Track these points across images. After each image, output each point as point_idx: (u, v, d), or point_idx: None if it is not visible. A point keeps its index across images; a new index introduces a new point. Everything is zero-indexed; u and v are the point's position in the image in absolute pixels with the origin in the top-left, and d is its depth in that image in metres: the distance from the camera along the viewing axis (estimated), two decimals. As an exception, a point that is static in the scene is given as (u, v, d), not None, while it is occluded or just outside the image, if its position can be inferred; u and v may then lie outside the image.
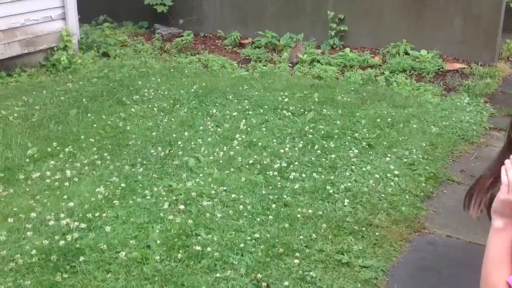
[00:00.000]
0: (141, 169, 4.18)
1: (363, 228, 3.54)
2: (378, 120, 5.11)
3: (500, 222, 1.32)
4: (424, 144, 4.66)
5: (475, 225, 3.56)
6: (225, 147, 4.60)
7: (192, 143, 4.67)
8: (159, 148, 4.52)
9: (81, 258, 3.06)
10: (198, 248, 3.20)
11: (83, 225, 3.38)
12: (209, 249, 3.21)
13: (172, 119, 5.19)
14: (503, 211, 1.32)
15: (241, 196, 3.88)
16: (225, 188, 3.96)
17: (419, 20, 7.03)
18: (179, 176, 4.11)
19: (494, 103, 5.63)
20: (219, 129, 5.00)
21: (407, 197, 3.94)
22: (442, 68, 6.47)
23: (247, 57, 7.28)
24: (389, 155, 4.50)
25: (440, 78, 6.26)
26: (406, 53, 6.81)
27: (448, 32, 6.86)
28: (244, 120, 5.17)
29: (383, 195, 3.94)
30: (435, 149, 4.62)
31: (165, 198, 3.76)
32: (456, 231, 3.57)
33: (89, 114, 5.22)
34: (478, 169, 4.34)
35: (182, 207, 3.64)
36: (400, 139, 4.78)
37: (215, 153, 4.50)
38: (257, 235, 3.40)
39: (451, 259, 3.33)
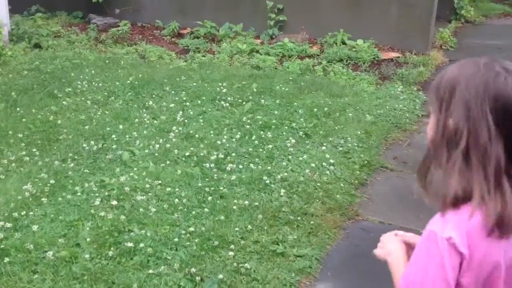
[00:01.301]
0: (72, 164, 4.05)
1: (299, 218, 3.56)
2: (315, 109, 5.15)
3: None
4: (359, 133, 4.72)
5: (406, 210, 3.65)
6: (161, 140, 4.52)
7: (127, 136, 4.57)
8: (92, 142, 4.39)
9: (6, 259, 2.94)
10: (130, 244, 3.12)
11: (8, 225, 3.24)
12: (142, 245, 3.15)
13: (106, 111, 5.06)
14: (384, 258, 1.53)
15: (177, 190, 3.82)
16: (160, 181, 3.89)
17: (356, 10, 7.12)
18: (112, 170, 4.01)
19: (427, 91, 5.76)
20: (155, 121, 4.91)
21: (342, 185, 3.98)
22: (378, 57, 6.58)
23: (185, 48, 7.19)
24: (325, 144, 4.54)
25: (376, 67, 6.36)
26: (343, 43, 6.89)
27: (384, 21, 6.98)
28: (181, 112, 5.09)
29: (318, 184, 3.97)
30: (370, 137, 4.69)
31: (96, 194, 3.65)
32: (388, 217, 3.64)
33: (18, 108, 5.01)
34: (410, 155, 4.45)
35: (114, 202, 3.55)
36: (336, 128, 4.82)
37: (150, 146, 4.42)
38: (192, 229, 3.35)
39: (383, 245, 3.38)
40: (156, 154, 4.30)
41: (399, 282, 1.34)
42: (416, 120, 5.09)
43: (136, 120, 4.90)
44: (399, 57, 6.64)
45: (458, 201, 1.28)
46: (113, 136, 4.53)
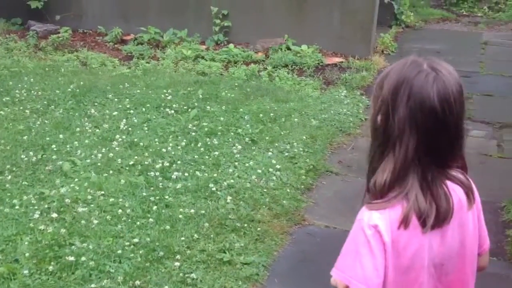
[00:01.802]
0: (10, 176, 3.90)
1: (245, 225, 3.54)
2: (261, 115, 5.15)
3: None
4: (305, 137, 4.75)
5: (352, 214, 3.67)
6: (103, 149, 4.42)
7: (68, 146, 4.44)
8: (31, 153, 4.24)
9: None
10: (72, 258, 3.03)
11: None
12: (83, 258, 3.05)
13: (46, 121, 4.90)
14: None
15: (120, 200, 3.74)
16: (103, 192, 3.80)
17: (300, 16, 7.18)
18: (52, 182, 3.88)
19: (370, 94, 5.85)
20: (97, 130, 4.79)
21: (288, 190, 3.99)
22: (322, 62, 6.66)
23: (129, 54, 7.06)
24: (271, 149, 4.55)
25: (320, 72, 6.43)
26: (288, 48, 6.94)
27: (327, 27, 7.07)
28: (125, 120, 4.99)
29: (265, 190, 3.97)
30: (315, 141, 4.73)
31: (36, 207, 3.53)
32: (334, 221, 3.67)
33: (-49, 120, 4.80)
34: (355, 159, 4.51)
35: (55, 215, 3.44)
36: (282, 133, 4.84)
37: (92, 156, 4.31)
38: (136, 240, 3.28)
39: (329, 249, 3.37)
40: (99, 164, 4.19)
41: (332, 269, 1.39)
42: (359, 124, 5.17)
43: (78, 129, 4.77)
44: (342, 62, 6.74)
45: (383, 192, 1.34)
46: (53, 146, 4.39)
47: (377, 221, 1.32)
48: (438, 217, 1.33)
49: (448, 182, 1.37)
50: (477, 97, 5.88)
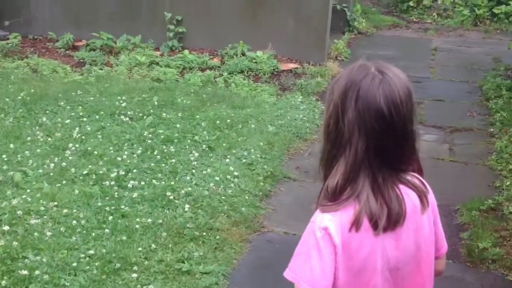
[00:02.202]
0: (-43, 189, 3.75)
1: (204, 233, 3.51)
2: (218, 121, 5.13)
3: None
4: (262, 144, 4.76)
5: (310, 219, 3.70)
6: (56, 158, 4.30)
7: (19, 155, 4.30)
8: (-21, 163, 4.09)
9: None
10: (25, 272, 2.93)
11: None
12: (37, 272, 2.96)
13: (-5, 130, 4.74)
14: None
15: (74, 211, 3.65)
16: (56, 203, 3.70)
17: (255, 22, 7.20)
18: (3, 193, 3.75)
19: (325, 100, 5.93)
20: (49, 139, 4.66)
21: (246, 197, 3.98)
22: (277, 68, 6.69)
23: (81, 61, 6.91)
24: (229, 156, 4.53)
25: (276, 78, 6.46)
26: (244, 54, 6.94)
27: (282, 33, 7.11)
28: (78, 128, 4.88)
29: (223, 197, 3.94)
30: (272, 148, 4.74)
31: (-15, 220, 3.39)
32: (292, 227, 3.68)
33: None
34: (312, 165, 4.54)
35: (6, 228, 3.32)
36: (239, 139, 4.83)
37: (45, 165, 4.19)
38: (91, 252, 3.20)
39: (288, 255, 3.38)
40: (51, 174, 4.08)
41: (286, 270, 1.40)
42: (316, 130, 5.21)
43: (29, 138, 4.62)
44: (297, 68, 6.79)
45: (335, 194, 1.35)
46: (3, 156, 4.25)
47: (327, 223, 1.33)
48: (389, 220, 1.34)
49: (401, 186, 1.38)
50: (428, 102, 6.02)
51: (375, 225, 1.34)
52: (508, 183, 4.13)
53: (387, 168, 1.35)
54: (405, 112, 1.33)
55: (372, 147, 1.32)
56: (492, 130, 5.20)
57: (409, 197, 1.40)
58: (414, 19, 9.97)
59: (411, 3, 10.08)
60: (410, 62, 7.40)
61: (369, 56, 6.61)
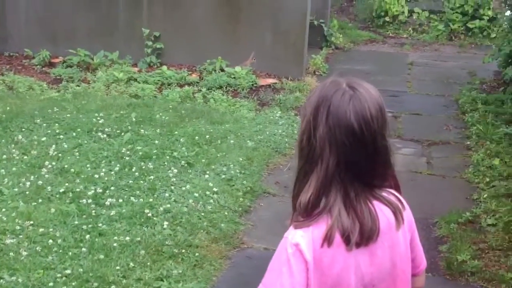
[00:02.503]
0: None
1: (183, 250, 3.47)
2: (197, 137, 5.11)
3: None
4: (241, 159, 4.74)
5: (290, 235, 3.69)
6: (32, 177, 4.24)
7: (-6, 174, 4.22)
8: (-48, 183, 4.00)
9: None
10: (-1, 294, 2.86)
11: None
12: (12, 293, 2.89)
13: (-30, 149, 4.65)
14: None
15: (51, 230, 3.59)
16: (32, 222, 3.64)
17: (234, 37, 7.22)
18: (-24, 213, 3.67)
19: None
20: (25, 157, 4.60)
21: (226, 213, 3.95)
22: (256, 83, 6.70)
23: (58, 77, 6.84)
24: (208, 172, 4.50)
25: (254, 93, 6.47)
26: (222, 70, 6.95)
27: (260, 48, 7.14)
28: (54, 146, 4.81)
29: (202, 214, 3.92)
30: (252, 163, 4.72)
31: (-41, 241, 3.32)
32: (272, 242, 3.63)
33: None
34: (291, 180, 4.52)
35: (-20, 248, 3.24)
36: (219, 155, 4.81)
37: (20, 184, 4.12)
38: (68, 271, 3.15)
39: (269, 272, 3.40)
40: (27, 192, 4.01)
41: (259, 285, 1.40)
42: (295, 144, 5.22)
43: (4, 156, 4.55)
44: (276, 83, 6.82)
45: (307, 210, 1.35)
46: (-22, 175, 4.17)
47: (299, 239, 1.33)
48: (362, 235, 1.34)
49: (375, 202, 1.38)
50: (405, 116, 6.08)
51: (347, 240, 1.33)
52: (485, 195, 4.17)
53: (360, 184, 1.36)
54: (376, 128, 1.34)
55: (343, 162, 1.33)
56: (468, 143, 5.27)
57: (383, 213, 1.39)
58: (390, 34, 10.11)
59: (387, 18, 10.21)
60: (387, 77, 7.50)
61: (347, 71, 6.70)
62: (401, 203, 1.44)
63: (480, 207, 4.05)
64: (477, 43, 9.42)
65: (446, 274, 3.34)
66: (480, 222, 3.84)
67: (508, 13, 6.90)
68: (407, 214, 1.47)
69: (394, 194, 1.44)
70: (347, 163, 1.33)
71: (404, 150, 5.18)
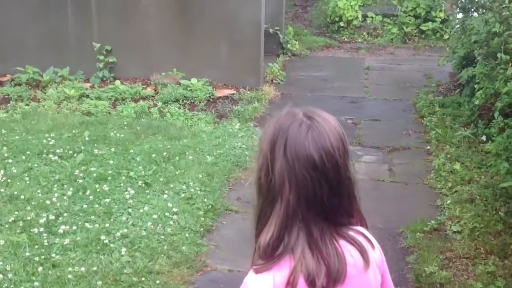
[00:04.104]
0: None
1: (143, 278, 3.31)
2: (154, 155, 4.93)
3: None
4: (201, 176, 4.59)
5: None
6: (-21, 206, 3.99)
7: None
8: None
9: None
10: None
11: None
12: None
13: None
14: None
15: (1, 263, 3.39)
16: (-21, 256, 3.40)
17: (188, 49, 7.07)
18: None
19: (263, 125, 5.83)
20: (-29, 185, 4.33)
21: (187, 235, 3.80)
22: (213, 95, 6.56)
23: (6, 97, 6.55)
24: (166, 191, 4.34)
25: (212, 105, 6.33)
26: (178, 83, 6.78)
27: (216, 59, 7.01)
28: (2, 171, 4.57)
29: (162, 237, 3.76)
30: (212, 179, 4.58)
31: None
32: (237, 263, 3.53)
33: None
34: (253, 195, 4.41)
35: None
36: (177, 173, 4.65)
37: (-34, 215, 3.87)
38: (19, 310, 2.94)
39: (234, 296, 3.26)
40: (-26, 224, 3.77)
41: None
42: (255, 158, 5.10)
43: None
44: (233, 94, 6.70)
45: (267, 252, 1.26)
46: None
47: (260, 284, 1.25)
48: (329, 277, 1.25)
49: (342, 241, 1.29)
50: (365, 122, 6.05)
51: (312, 284, 1.23)
52: (448, 201, 4.14)
53: (324, 221, 1.26)
54: (338, 158, 1.25)
55: (305, 199, 1.24)
56: (429, 147, 5.26)
57: (350, 253, 1.30)
58: (346, 39, 10.12)
59: (341, 24, 10.23)
60: (344, 82, 7.47)
61: (304, 78, 6.62)
62: (370, 242, 1.34)
63: (445, 213, 4.02)
64: (431, 45, 9.52)
65: (415, 287, 3.27)
66: (446, 229, 3.80)
67: (460, 15, 6.97)
68: (377, 254, 1.38)
69: (362, 233, 1.34)
70: (308, 200, 1.24)
71: (365, 157, 5.13)
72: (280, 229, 1.25)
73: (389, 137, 5.59)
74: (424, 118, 5.94)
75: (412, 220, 3.93)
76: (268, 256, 1.26)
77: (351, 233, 1.31)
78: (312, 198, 1.24)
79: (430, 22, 9.67)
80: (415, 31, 9.79)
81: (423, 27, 9.70)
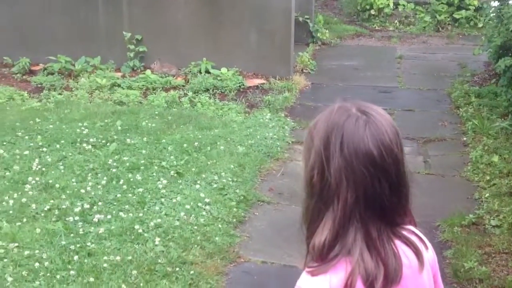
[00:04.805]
0: None
1: (177, 268, 3.31)
2: (185, 145, 4.93)
3: None
4: (233, 166, 4.57)
5: (288, 246, 3.53)
6: (15, 194, 4.05)
7: (-26, 194, 4.02)
8: None
9: None
10: (-17, 327, 2.68)
11: None
12: (-3, 326, 2.71)
13: None
14: None
15: (37, 251, 3.41)
16: (17, 243, 3.48)
17: (217, 38, 7.04)
18: (-43, 237, 3.48)
19: (294, 116, 5.80)
20: (8, 173, 4.40)
21: (220, 226, 3.79)
22: (243, 84, 6.53)
23: (39, 86, 6.62)
24: (198, 181, 4.33)
25: (242, 95, 6.30)
26: (208, 72, 6.76)
27: (246, 48, 6.97)
28: (37, 159, 4.62)
29: (195, 227, 3.75)
30: (244, 169, 4.56)
31: None
32: (270, 255, 3.51)
33: None
34: (285, 185, 4.38)
35: (-39, 277, 3.05)
36: (209, 163, 4.64)
37: (3, 202, 3.94)
38: (56, 298, 2.97)
39: (267, 287, 3.25)
40: (11, 212, 3.83)
41: None
42: (287, 148, 5.06)
43: (-16, 173, 4.35)
44: (264, 83, 6.65)
45: (322, 254, 1.21)
46: (-43, 195, 3.97)
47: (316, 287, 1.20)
48: (386, 278, 1.20)
49: (397, 241, 1.24)
50: (398, 112, 5.94)
51: (370, 286, 1.18)
52: (487, 195, 4.05)
53: (381, 221, 1.21)
54: (397, 153, 1.21)
55: (363, 197, 1.18)
56: (465, 139, 5.14)
57: (405, 254, 1.25)
58: (377, 27, 9.97)
59: (372, 12, 10.07)
60: (376, 72, 7.36)
61: (336, 67, 6.52)
62: (424, 242, 1.30)
63: (483, 207, 3.92)
64: (465, 34, 9.32)
65: (453, 282, 3.21)
66: (484, 223, 3.71)
67: (496, 3, 6.78)
68: (430, 254, 1.34)
69: (415, 233, 1.29)
70: (367, 198, 1.18)
71: (399, 149, 5.04)
72: (336, 230, 1.20)
73: (424, 128, 5.48)
74: (460, 109, 5.81)
75: (449, 213, 3.85)
76: (323, 258, 1.21)
77: (405, 233, 1.26)
78: (371, 196, 1.19)
79: (463, 10, 9.47)
80: (448, 19, 9.59)
81: (456, 15, 9.49)
